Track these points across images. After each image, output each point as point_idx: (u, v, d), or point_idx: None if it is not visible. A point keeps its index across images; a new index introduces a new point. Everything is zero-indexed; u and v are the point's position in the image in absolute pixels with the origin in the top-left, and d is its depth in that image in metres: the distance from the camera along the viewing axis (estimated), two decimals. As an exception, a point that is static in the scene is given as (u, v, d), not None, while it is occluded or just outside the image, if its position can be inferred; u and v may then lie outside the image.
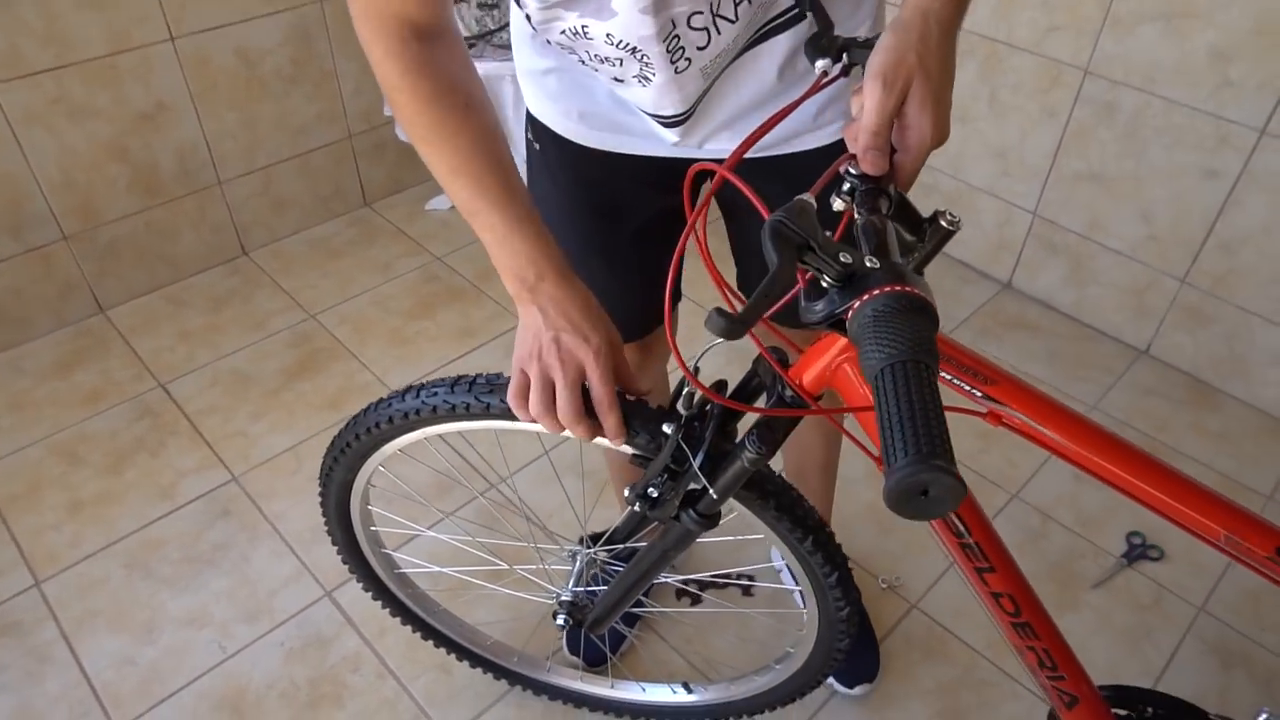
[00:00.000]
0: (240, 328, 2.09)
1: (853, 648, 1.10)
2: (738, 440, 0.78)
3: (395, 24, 0.73)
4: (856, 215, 0.62)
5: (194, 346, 2.04)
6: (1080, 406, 1.92)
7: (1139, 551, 1.61)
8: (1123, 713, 0.97)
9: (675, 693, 1.29)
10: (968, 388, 0.70)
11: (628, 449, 0.85)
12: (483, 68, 2.03)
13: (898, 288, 0.53)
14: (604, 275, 1.05)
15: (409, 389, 0.92)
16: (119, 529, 1.64)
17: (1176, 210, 1.86)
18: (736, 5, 0.76)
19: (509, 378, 0.82)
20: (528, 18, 0.78)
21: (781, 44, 0.85)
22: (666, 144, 0.92)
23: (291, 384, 1.95)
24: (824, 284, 0.57)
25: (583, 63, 0.83)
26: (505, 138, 0.80)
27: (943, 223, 0.64)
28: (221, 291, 2.20)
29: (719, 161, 0.66)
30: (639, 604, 1.48)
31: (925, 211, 0.67)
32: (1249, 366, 1.90)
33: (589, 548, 1.12)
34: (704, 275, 1.14)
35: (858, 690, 1.39)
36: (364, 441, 0.98)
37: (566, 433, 0.80)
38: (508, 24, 2.10)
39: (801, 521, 0.90)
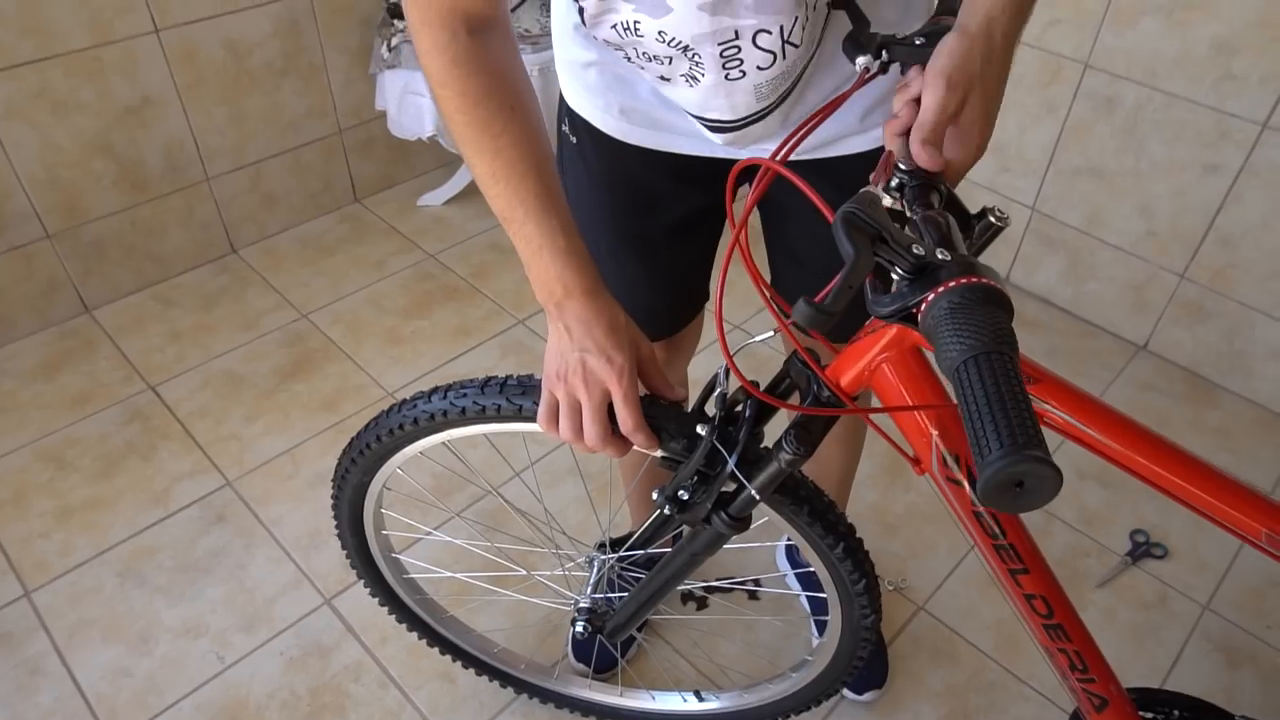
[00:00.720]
0: (231, 327, 2.04)
1: (864, 655, 1.08)
2: (766, 444, 0.77)
3: (446, 13, 0.70)
4: (909, 211, 0.62)
5: (184, 347, 1.98)
6: (1081, 402, 1.91)
7: (1143, 550, 1.60)
8: (1148, 715, 0.96)
9: (686, 701, 1.26)
10: (1029, 396, 0.68)
11: (658, 452, 0.83)
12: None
13: (973, 279, 0.52)
14: (635, 271, 1.04)
15: (435, 389, 0.89)
16: (110, 536, 1.59)
17: (1176, 205, 1.85)
18: (804, 29, 0.74)
19: (539, 379, 0.81)
20: (580, 11, 0.74)
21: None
22: (709, 143, 0.89)
23: (285, 385, 1.90)
24: (894, 276, 0.56)
25: (628, 59, 0.80)
26: (549, 140, 0.78)
27: (991, 218, 0.64)
28: (211, 290, 2.15)
29: (765, 159, 0.65)
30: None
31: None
32: (1248, 361, 1.90)
33: (609, 553, 1.09)
34: (734, 283, 1.11)
35: (867, 696, 1.37)
36: (385, 444, 0.95)
37: None
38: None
39: (833, 528, 0.88)
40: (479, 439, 0.95)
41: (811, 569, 1.01)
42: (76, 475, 1.70)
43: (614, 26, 0.75)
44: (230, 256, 2.25)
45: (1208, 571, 1.58)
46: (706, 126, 0.85)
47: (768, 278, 1.11)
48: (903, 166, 0.63)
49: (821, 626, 1.43)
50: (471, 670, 1.33)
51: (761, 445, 0.79)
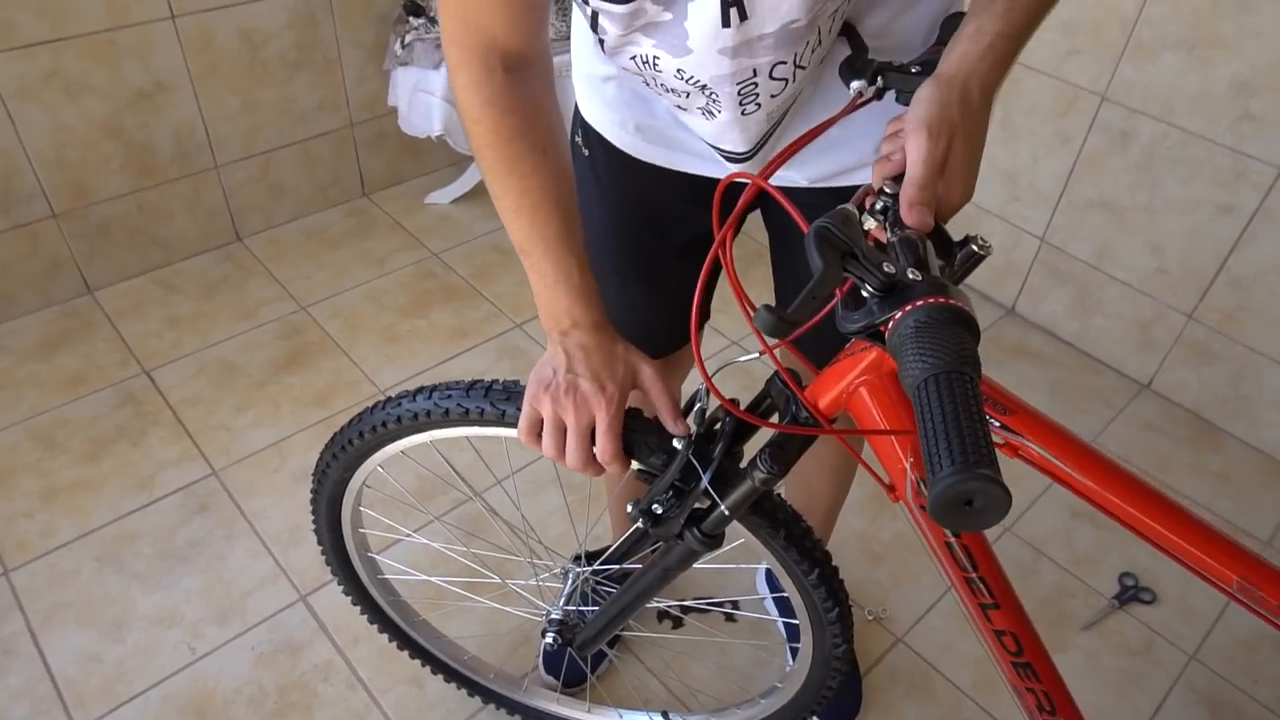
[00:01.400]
0: (230, 316, 2.04)
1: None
2: (744, 463, 0.77)
3: (483, 50, 0.71)
4: (890, 233, 0.61)
5: (182, 333, 1.99)
6: (1079, 439, 1.88)
7: (1131, 594, 1.57)
8: None
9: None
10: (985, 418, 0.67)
11: (634, 464, 0.84)
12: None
13: (941, 299, 0.53)
14: (639, 288, 1.04)
15: (421, 389, 0.89)
16: (93, 520, 1.60)
17: (1188, 244, 1.82)
18: (812, 51, 0.74)
19: (524, 386, 0.81)
20: (600, 43, 0.74)
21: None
22: (724, 166, 0.88)
23: (278, 377, 1.90)
24: (864, 294, 0.56)
25: (647, 85, 0.79)
26: (574, 181, 0.79)
27: (974, 247, 0.63)
28: (213, 277, 2.15)
29: (752, 175, 0.65)
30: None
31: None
32: (1253, 407, 1.86)
33: (584, 565, 1.09)
34: (731, 304, 1.10)
35: (838, 727, 1.35)
36: (367, 440, 0.94)
37: None
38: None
39: (809, 554, 0.88)
40: (463, 443, 0.95)
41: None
42: (65, 456, 1.70)
43: (633, 58, 0.74)
44: (235, 244, 2.25)
45: (1197, 620, 1.55)
46: (723, 156, 0.85)
47: (773, 301, 1.10)
48: (888, 190, 0.63)
49: (797, 654, 1.42)
50: (440, 676, 1.32)
51: (739, 465, 0.79)
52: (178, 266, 2.17)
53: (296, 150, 2.26)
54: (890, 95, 0.73)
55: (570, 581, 1.10)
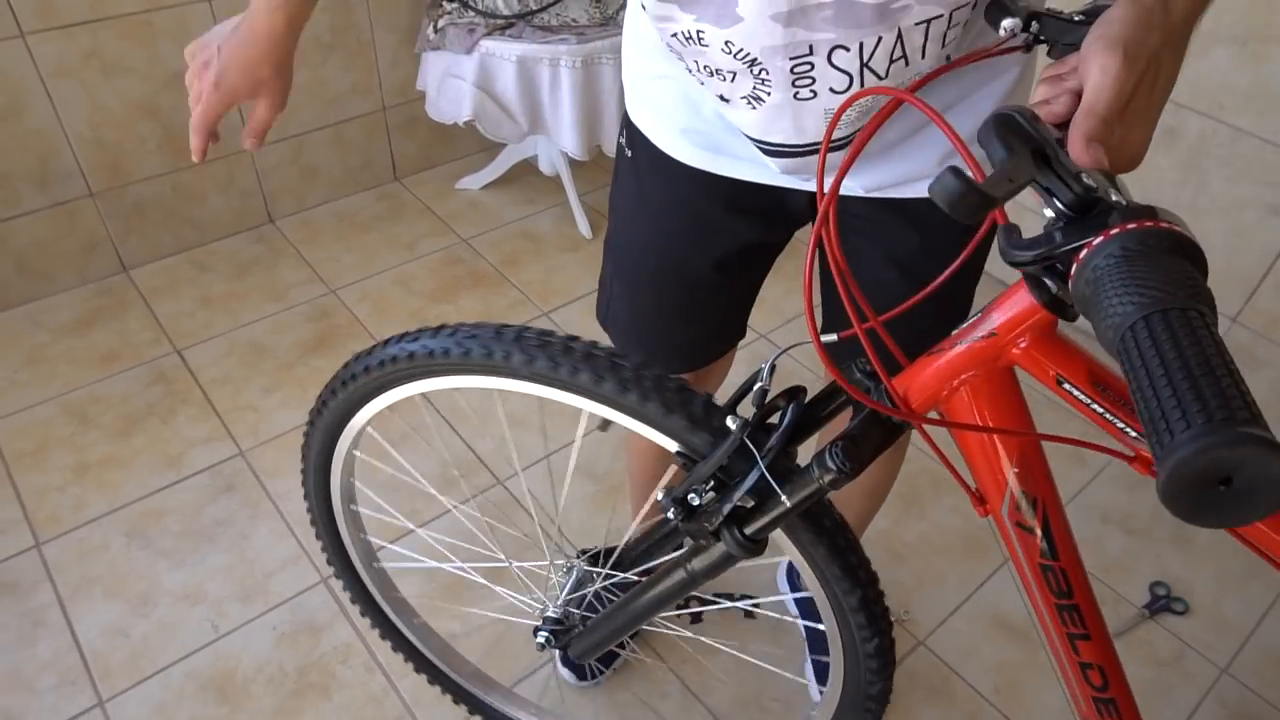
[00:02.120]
0: (260, 297, 2.06)
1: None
2: (798, 463, 0.69)
3: None
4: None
5: (214, 313, 2.01)
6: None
7: (1162, 603, 1.53)
8: None
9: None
10: (1120, 425, 0.56)
11: (672, 444, 0.75)
12: (519, 48, 1.97)
13: (1162, 224, 0.41)
14: (674, 299, 0.99)
15: (443, 326, 0.80)
16: (123, 495, 1.62)
17: (1234, 245, 1.76)
18: (891, 62, 0.67)
19: (494, 325, 0.78)
20: (643, 6, 0.70)
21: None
22: (770, 170, 0.82)
23: (306, 359, 1.92)
24: (1048, 212, 0.45)
25: (690, 71, 0.75)
26: None
27: None
28: (245, 258, 2.17)
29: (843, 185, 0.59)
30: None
31: None
32: (1297, 415, 1.80)
33: (596, 565, 1.01)
34: (764, 301, 1.07)
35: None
36: (373, 377, 0.84)
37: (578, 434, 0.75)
38: (550, 4, 2.03)
39: (852, 571, 0.77)
40: (477, 431, 0.92)
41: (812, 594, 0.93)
42: (97, 432, 1.73)
43: (675, 35, 0.70)
44: (267, 226, 2.27)
45: (1230, 632, 1.51)
46: (768, 151, 0.78)
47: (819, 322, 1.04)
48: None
49: (819, 668, 1.39)
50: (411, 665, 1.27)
51: (796, 461, 0.71)
52: (211, 247, 2.19)
53: (329, 133, 2.27)
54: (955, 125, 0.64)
55: (573, 577, 1.03)
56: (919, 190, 0.82)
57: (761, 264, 1.00)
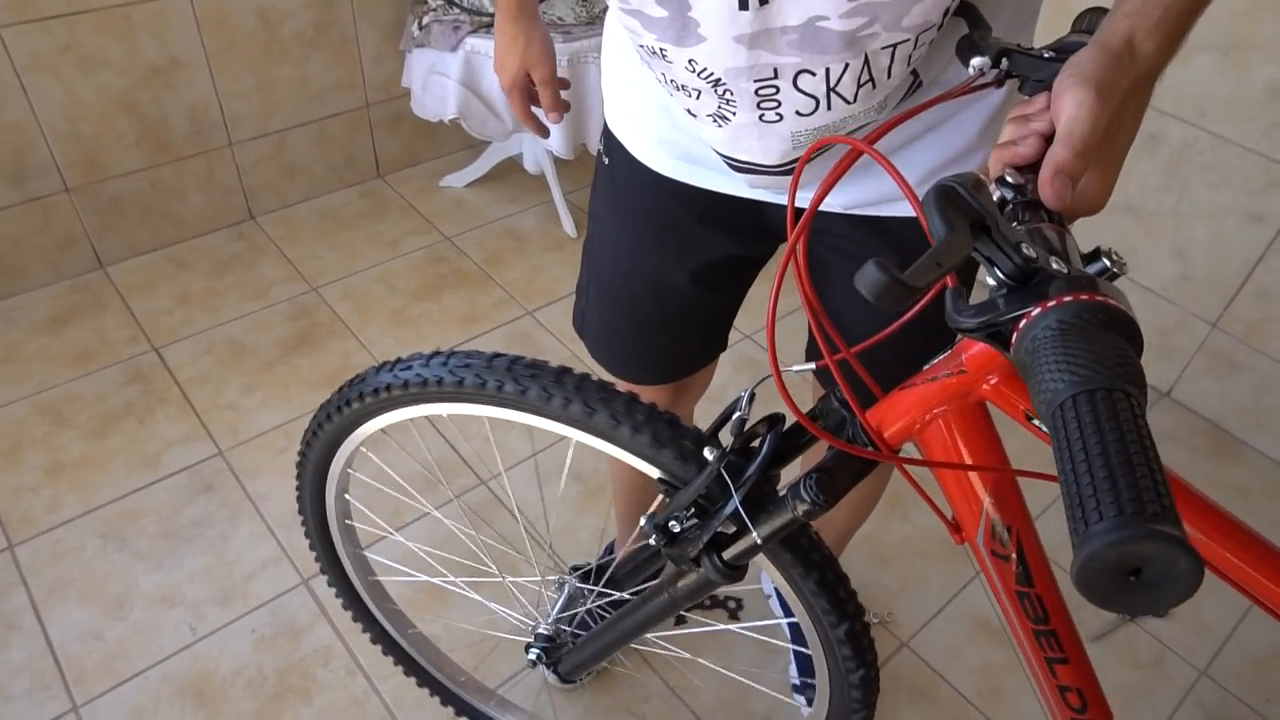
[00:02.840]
0: (240, 295, 2.04)
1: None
2: (779, 490, 0.70)
3: None
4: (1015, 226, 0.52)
5: (192, 311, 1.99)
6: (1095, 447, 1.85)
7: (1144, 606, 1.55)
8: None
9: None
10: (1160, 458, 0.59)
11: (654, 470, 0.76)
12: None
13: (1096, 297, 0.42)
14: (651, 312, 0.98)
15: (436, 354, 0.82)
16: (98, 496, 1.60)
17: (1215, 252, 1.78)
18: (859, 86, 0.66)
19: (486, 354, 0.79)
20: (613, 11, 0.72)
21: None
22: (746, 184, 0.82)
23: (287, 358, 1.90)
24: (991, 281, 0.46)
25: (659, 82, 0.75)
26: None
27: (1106, 261, 0.52)
28: (225, 255, 2.15)
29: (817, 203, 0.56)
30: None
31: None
32: (1275, 420, 1.83)
33: (587, 583, 1.02)
34: (751, 302, 1.07)
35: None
36: (367, 404, 0.86)
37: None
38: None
39: (841, 605, 0.78)
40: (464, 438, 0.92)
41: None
42: (72, 432, 1.71)
43: (642, 46, 0.70)
44: (248, 223, 2.25)
45: (1209, 634, 1.53)
46: (736, 167, 0.78)
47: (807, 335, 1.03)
48: (1009, 179, 0.52)
49: (802, 661, 1.40)
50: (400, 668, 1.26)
51: (776, 488, 0.72)
52: (190, 243, 2.17)
53: (311, 130, 2.25)
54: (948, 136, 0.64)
55: (565, 594, 1.03)
56: (900, 209, 0.81)
57: (742, 278, 0.99)
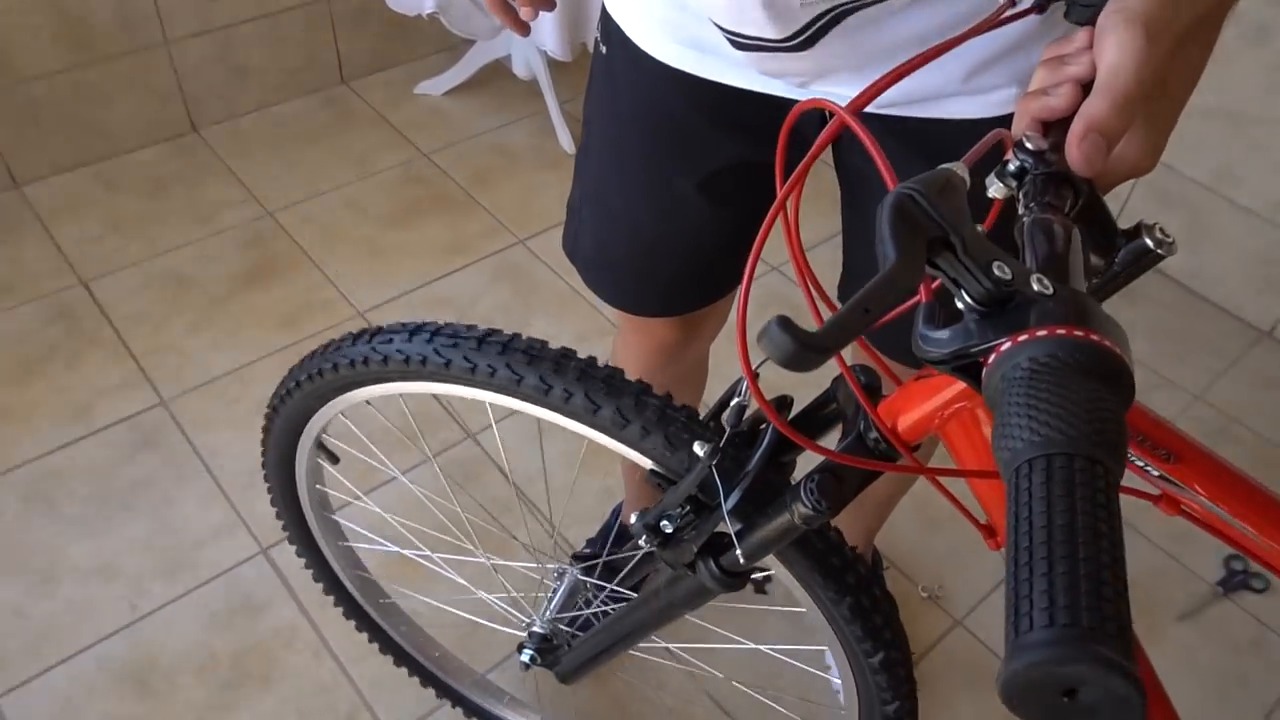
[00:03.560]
0: (183, 220, 1.97)
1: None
2: (792, 481, 0.65)
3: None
4: (1023, 209, 0.47)
5: (126, 238, 1.92)
6: (1183, 394, 1.79)
7: (1239, 580, 1.51)
8: None
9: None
10: (1141, 463, 0.56)
11: (646, 462, 0.74)
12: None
13: (1076, 332, 0.38)
14: (652, 228, 0.95)
15: (422, 328, 0.80)
16: (19, 453, 1.55)
17: (1331, 165, 1.69)
18: None
19: (479, 329, 0.77)
20: None
21: None
22: (763, 76, 0.78)
23: (240, 294, 1.83)
24: (959, 304, 0.43)
25: None
26: None
27: (1149, 240, 0.49)
28: (163, 174, 2.07)
29: (840, 103, 0.52)
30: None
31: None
32: (1393, 363, 1.76)
33: (592, 576, 1.01)
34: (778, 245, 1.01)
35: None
36: (341, 375, 0.85)
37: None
38: None
39: (877, 632, 0.76)
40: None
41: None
42: (-12, 378, 1.64)
43: None
44: (190, 136, 2.17)
45: (1315, 612, 1.48)
46: (740, 44, 0.73)
47: (841, 267, 0.99)
48: (1029, 145, 0.49)
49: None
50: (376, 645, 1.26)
51: (788, 478, 0.67)
52: (121, 159, 2.09)
53: (262, 26, 2.15)
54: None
55: (565, 586, 1.02)
56: (943, 110, 0.76)
57: (757, 191, 0.93)
